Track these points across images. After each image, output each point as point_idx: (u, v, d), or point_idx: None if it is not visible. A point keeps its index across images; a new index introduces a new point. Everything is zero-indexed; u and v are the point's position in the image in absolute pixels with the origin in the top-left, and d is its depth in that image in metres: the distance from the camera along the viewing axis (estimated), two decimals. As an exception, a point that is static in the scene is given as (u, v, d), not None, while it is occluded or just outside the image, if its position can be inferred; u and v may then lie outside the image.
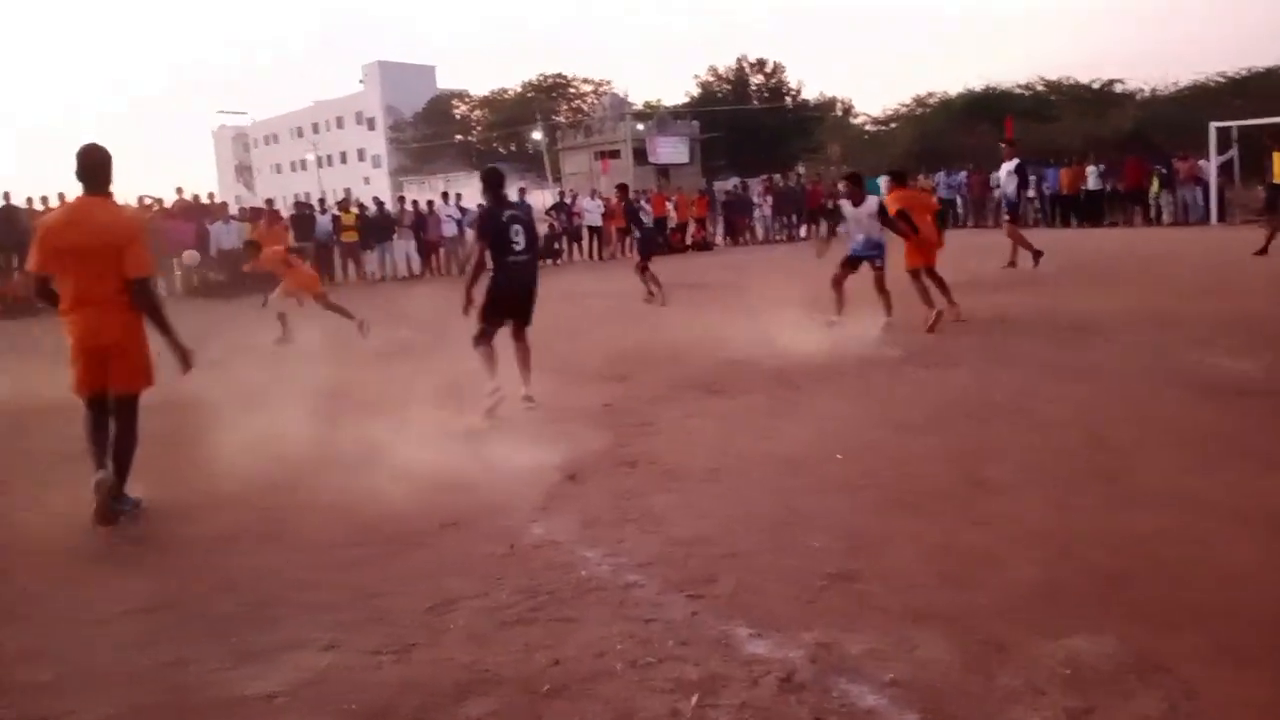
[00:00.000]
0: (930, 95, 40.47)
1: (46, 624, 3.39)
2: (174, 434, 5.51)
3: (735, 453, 5.13)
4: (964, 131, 32.91)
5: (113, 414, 4.48)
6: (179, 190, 19.47)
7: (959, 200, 25.45)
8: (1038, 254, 13.66)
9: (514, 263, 6.40)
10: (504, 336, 6.51)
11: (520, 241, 6.41)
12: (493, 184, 6.57)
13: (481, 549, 3.90)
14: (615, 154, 51.72)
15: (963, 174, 25.68)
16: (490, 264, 6.35)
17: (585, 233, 22.75)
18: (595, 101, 63.74)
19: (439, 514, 4.34)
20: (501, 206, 6.52)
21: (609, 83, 66.60)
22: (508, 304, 6.48)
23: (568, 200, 23.27)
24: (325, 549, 3.95)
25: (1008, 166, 14.28)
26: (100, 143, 4.55)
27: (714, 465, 4.88)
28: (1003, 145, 14.72)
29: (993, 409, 5.79)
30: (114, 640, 3.22)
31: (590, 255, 22.70)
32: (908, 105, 41.43)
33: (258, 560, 3.88)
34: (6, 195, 17.36)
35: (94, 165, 4.49)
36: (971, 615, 3.07)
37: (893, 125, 42.16)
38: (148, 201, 18.53)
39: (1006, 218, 14.51)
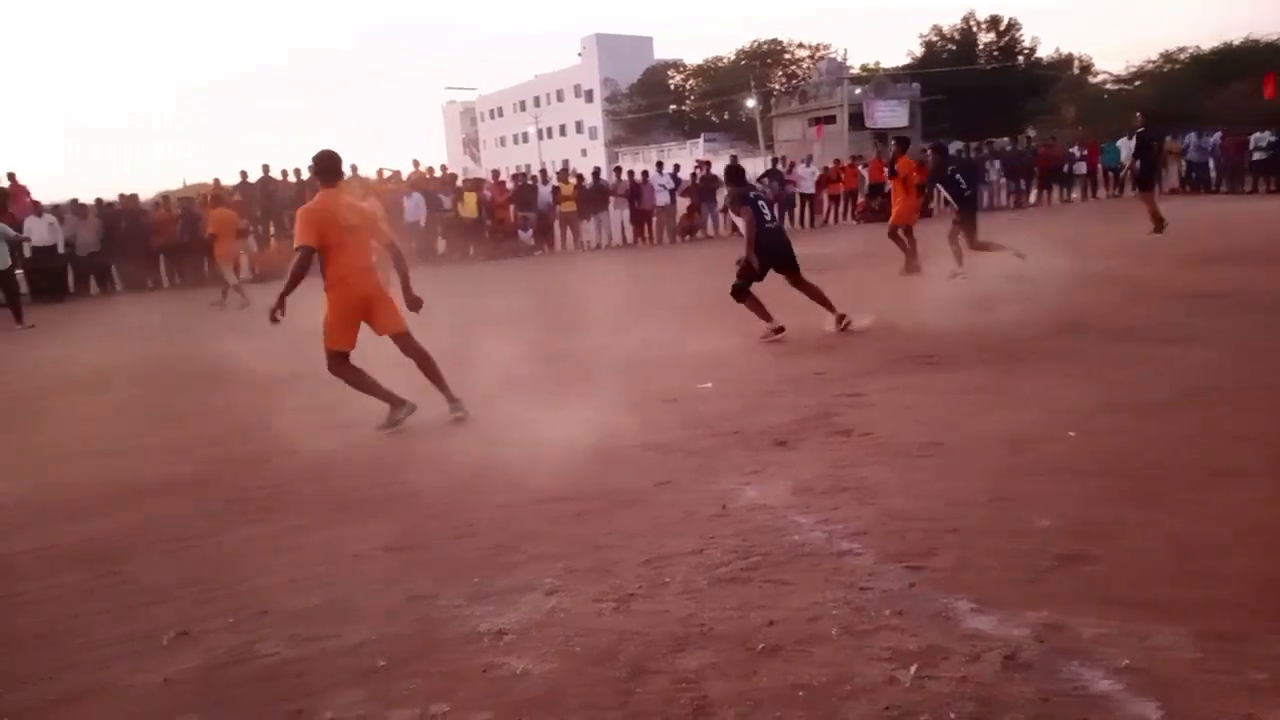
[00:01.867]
0: (1181, 50, 37.16)
1: (312, 556, 3.77)
2: (412, 392, 5.94)
3: (953, 427, 4.97)
4: (1219, 89, 29.98)
5: (402, 352, 5.70)
6: (415, 163, 20.80)
7: (1211, 164, 23.21)
8: (1159, 224, 13.78)
9: (770, 229, 7.91)
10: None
11: (770, 213, 8.03)
12: (734, 176, 8.36)
13: (695, 509, 4.00)
14: (830, 119, 50.56)
15: (1216, 136, 23.37)
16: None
17: (798, 200, 22.45)
18: (811, 66, 62.48)
19: (655, 473, 4.49)
20: (748, 189, 8.18)
21: (827, 47, 65.09)
22: (773, 260, 7.87)
23: (781, 168, 23.00)
24: (553, 501, 4.18)
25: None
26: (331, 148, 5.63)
27: (931, 439, 4.76)
28: (1138, 114, 14.81)
29: (1236, 392, 5.31)
30: (370, 573, 3.56)
31: (802, 223, 22.41)
32: (1154, 62, 38.20)
33: (494, 509, 4.15)
34: (265, 168, 19.13)
35: (333, 164, 5.63)
36: (1210, 607, 2.87)
37: (1136, 84, 39.03)
38: (386, 174, 19.90)
39: (1134, 190, 15.23)
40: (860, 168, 23.80)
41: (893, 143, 12.90)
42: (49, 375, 8.61)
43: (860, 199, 23.19)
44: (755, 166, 28.42)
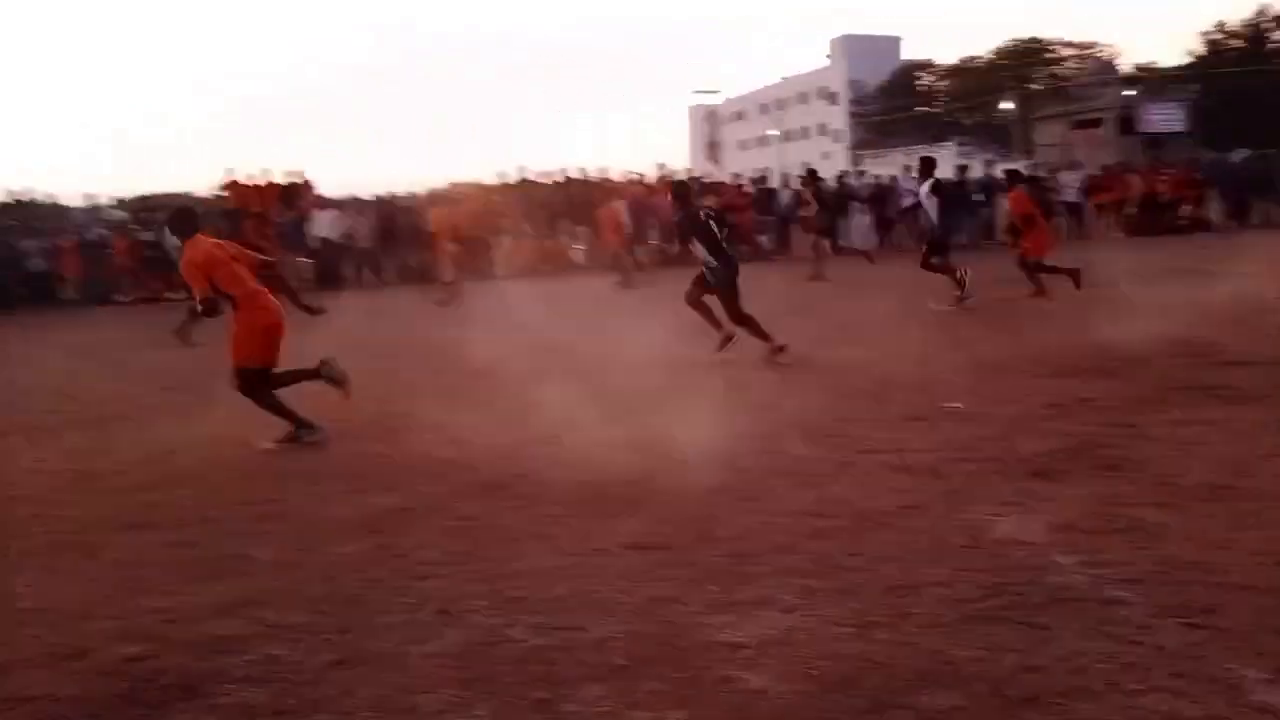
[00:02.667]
0: None
1: (562, 547, 3.92)
2: (657, 393, 6.06)
3: (1247, 470, 4.46)
4: None
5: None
6: (660, 167, 21.30)
7: None
8: None
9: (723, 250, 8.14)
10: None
11: (721, 235, 8.21)
12: (684, 196, 8.68)
13: (944, 537, 3.82)
14: (1095, 123, 47.11)
15: None
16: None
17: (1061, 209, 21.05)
18: (1077, 66, 58.51)
19: (901, 496, 4.33)
20: (698, 210, 8.58)
21: (1095, 45, 60.70)
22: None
23: (1043, 174, 21.67)
24: (796, 515, 4.12)
25: None
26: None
27: (1218, 481, 4.29)
28: None
29: None
30: (615, 569, 3.64)
31: (1066, 235, 20.95)
32: None
33: (736, 517, 4.14)
34: (522, 169, 20.16)
35: (188, 220, 6.03)
36: None
37: None
38: (634, 176, 20.46)
39: None
40: (1130, 176, 22.07)
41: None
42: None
43: (1130, 210, 21.48)
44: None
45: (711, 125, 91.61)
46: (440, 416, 6.33)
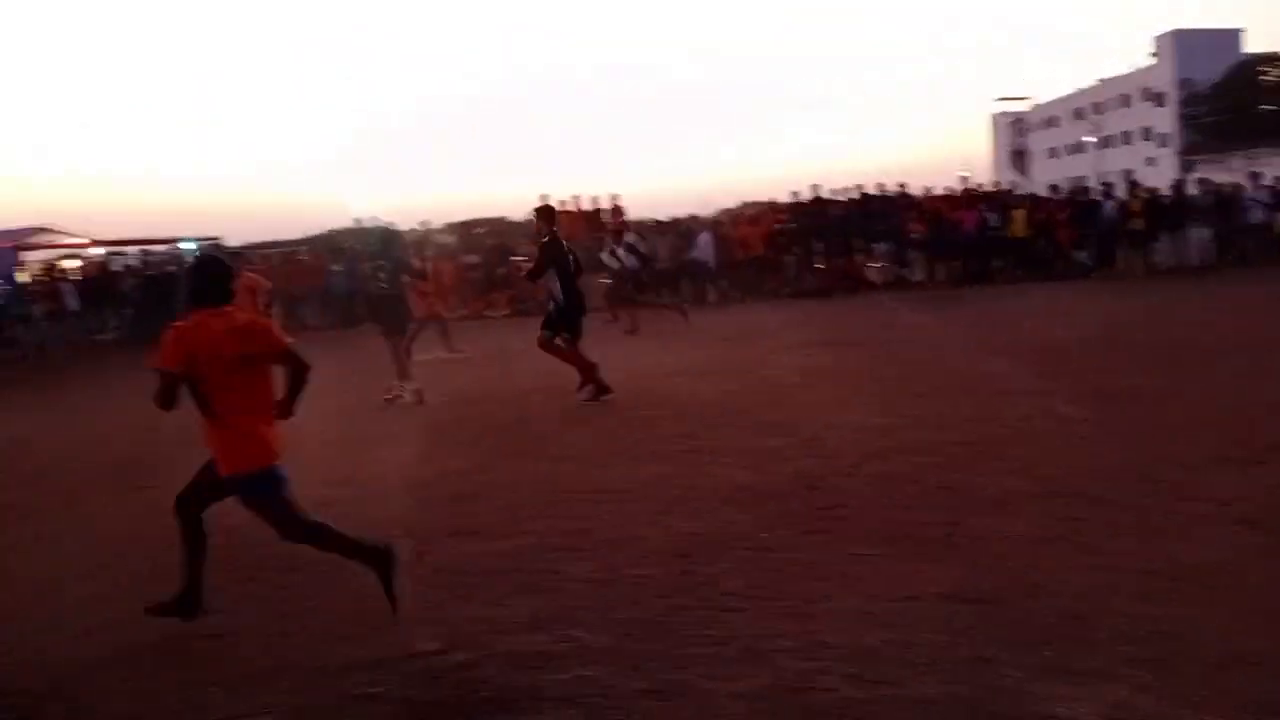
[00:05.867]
0: None
1: (871, 589, 3.69)
2: (964, 424, 5.64)
3: None
4: None
5: None
6: (962, 180, 20.26)
7: None
8: None
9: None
10: None
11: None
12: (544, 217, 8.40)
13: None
14: None
15: None
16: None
17: None
18: None
19: (1272, 561, 3.72)
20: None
21: None
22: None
23: None
24: (1142, 574, 3.62)
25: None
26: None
27: None
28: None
29: None
30: (930, 620, 3.37)
31: None
32: None
33: (1070, 573, 3.72)
34: (814, 188, 19.90)
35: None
36: None
37: None
38: (937, 191, 19.54)
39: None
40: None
41: None
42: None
43: None
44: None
45: (1018, 132, 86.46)
46: (740, 441, 6.31)
